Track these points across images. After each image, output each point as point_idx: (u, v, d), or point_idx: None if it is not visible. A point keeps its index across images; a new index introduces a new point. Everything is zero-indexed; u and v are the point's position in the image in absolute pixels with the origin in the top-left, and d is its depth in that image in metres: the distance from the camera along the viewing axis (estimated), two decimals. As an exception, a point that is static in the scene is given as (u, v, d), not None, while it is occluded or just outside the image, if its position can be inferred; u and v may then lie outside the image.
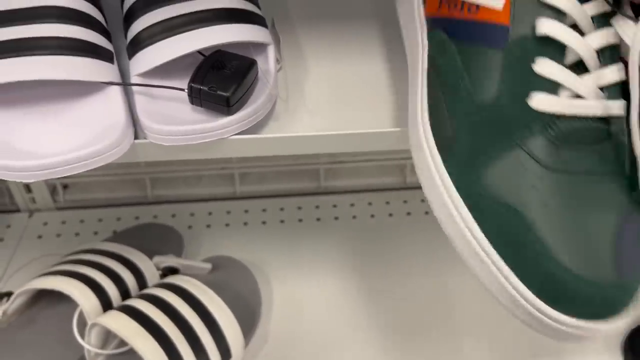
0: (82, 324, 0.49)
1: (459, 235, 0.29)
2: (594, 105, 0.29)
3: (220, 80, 0.35)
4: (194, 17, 0.36)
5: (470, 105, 0.30)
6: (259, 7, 0.40)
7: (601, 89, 0.29)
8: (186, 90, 0.35)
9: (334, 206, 0.69)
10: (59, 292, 0.50)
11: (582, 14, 0.29)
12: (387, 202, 0.70)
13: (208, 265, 0.57)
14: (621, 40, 0.30)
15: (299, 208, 0.68)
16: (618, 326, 0.28)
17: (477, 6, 0.30)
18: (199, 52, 0.36)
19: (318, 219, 0.67)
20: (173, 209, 0.67)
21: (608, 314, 0.27)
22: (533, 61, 0.29)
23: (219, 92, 0.34)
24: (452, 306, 0.60)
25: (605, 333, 0.27)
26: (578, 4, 0.29)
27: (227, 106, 0.34)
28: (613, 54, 0.30)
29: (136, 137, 0.36)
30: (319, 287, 0.61)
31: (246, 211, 0.67)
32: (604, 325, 0.27)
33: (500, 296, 0.28)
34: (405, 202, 0.70)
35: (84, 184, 0.67)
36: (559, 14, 0.29)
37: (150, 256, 0.57)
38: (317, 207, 0.69)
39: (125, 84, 0.35)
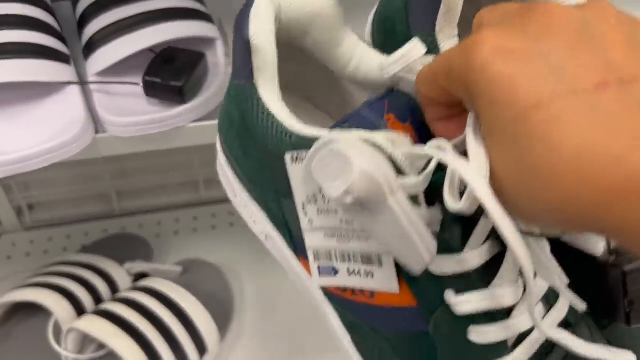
0: (58, 332, 0.50)
1: None
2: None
3: (172, 73, 0.37)
4: (143, 17, 0.38)
5: None
6: (205, 6, 0.42)
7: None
8: (141, 84, 0.37)
9: (298, 204, 0.71)
10: (33, 305, 0.51)
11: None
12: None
13: (178, 268, 0.59)
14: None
15: (264, 208, 0.70)
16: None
17: (372, 292, 0.26)
18: (150, 50, 0.39)
19: (283, 217, 0.70)
20: (140, 219, 0.68)
21: None
22: (467, 334, 0.25)
23: (171, 83, 0.37)
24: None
25: None
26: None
27: (180, 95, 0.37)
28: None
29: (97, 133, 0.38)
30: (289, 281, 0.62)
31: (213, 215, 0.69)
32: None
33: None
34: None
35: (49, 203, 0.68)
36: (465, 277, 0.24)
37: (121, 264, 0.58)
38: (281, 206, 0.71)
39: (82, 82, 0.38)
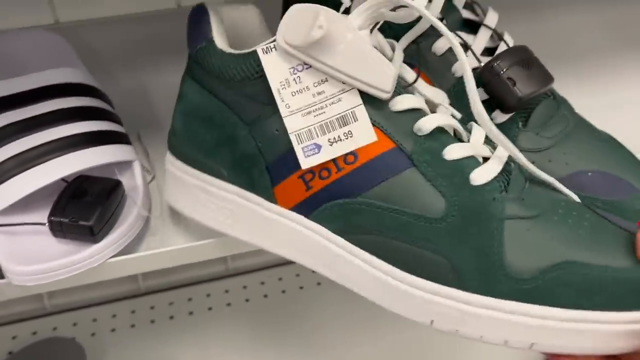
0: None
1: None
2: (505, 150, 0.31)
3: (82, 209, 0.34)
4: (49, 148, 0.35)
5: (433, 225, 0.29)
6: (120, 124, 0.39)
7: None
8: (47, 224, 0.34)
9: (244, 287, 0.68)
10: None
11: (435, 94, 0.32)
12: (297, 275, 0.70)
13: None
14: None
15: (208, 295, 0.67)
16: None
17: (354, 154, 0.30)
18: (61, 179, 0.35)
19: (228, 304, 0.66)
20: (74, 317, 0.64)
21: None
22: (442, 155, 0.29)
23: (80, 222, 0.33)
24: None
25: None
26: (429, 86, 0.31)
27: (91, 235, 0.33)
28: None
29: (3, 276, 0.34)
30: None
31: (152, 307, 0.65)
32: None
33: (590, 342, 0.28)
34: (314, 272, 0.70)
35: (-28, 305, 0.63)
36: (421, 111, 0.30)
37: (49, 377, 0.53)
38: (226, 291, 0.68)
39: (-22, 227, 0.34)
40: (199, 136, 0.33)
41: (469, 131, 0.32)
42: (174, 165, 0.35)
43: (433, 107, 0.32)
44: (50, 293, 0.64)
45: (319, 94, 0.30)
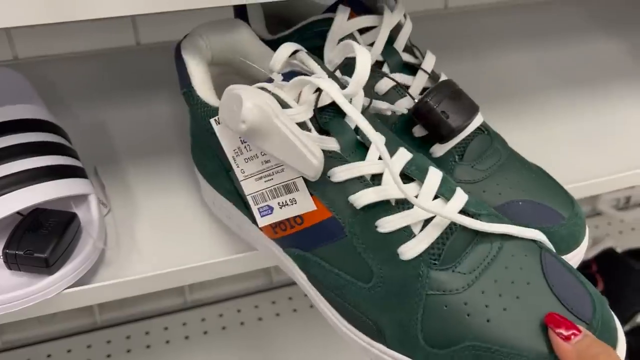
0: None
1: None
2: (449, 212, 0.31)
3: (37, 242, 0.35)
4: (4, 182, 0.36)
5: (363, 292, 0.31)
6: (77, 159, 0.40)
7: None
8: (1, 257, 0.34)
9: (203, 320, 0.69)
10: None
11: (377, 167, 0.31)
12: (256, 306, 0.71)
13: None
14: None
15: (166, 329, 0.67)
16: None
17: (300, 217, 0.32)
18: (17, 212, 0.36)
19: (186, 337, 0.66)
20: (27, 353, 0.63)
21: None
22: (375, 227, 0.30)
23: (36, 255, 0.34)
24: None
25: None
26: (361, 161, 0.31)
27: (46, 267, 0.34)
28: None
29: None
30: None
31: (108, 342, 0.65)
32: None
33: None
34: (273, 302, 0.71)
35: None
36: (361, 180, 0.31)
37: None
38: (184, 324, 0.68)
39: None
40: (203, 160, 0.38)
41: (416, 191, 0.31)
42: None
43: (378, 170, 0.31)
44: (1, 329, 0.63)
45: (266, 162, 0.32)
